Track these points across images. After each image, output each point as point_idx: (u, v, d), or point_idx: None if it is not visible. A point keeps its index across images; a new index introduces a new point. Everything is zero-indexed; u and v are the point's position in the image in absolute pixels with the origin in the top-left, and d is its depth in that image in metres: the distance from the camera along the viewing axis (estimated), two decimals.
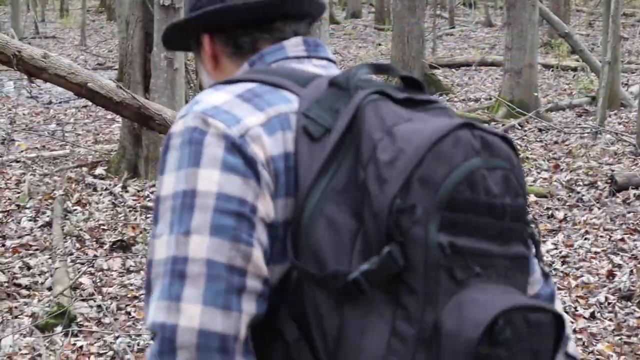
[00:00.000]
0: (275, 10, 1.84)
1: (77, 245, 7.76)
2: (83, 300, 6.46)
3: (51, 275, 6.88)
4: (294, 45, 1.85)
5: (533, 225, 1.72)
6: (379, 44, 25.31)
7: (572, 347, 1.97)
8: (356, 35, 28.06)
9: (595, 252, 7.49)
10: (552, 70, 18.39)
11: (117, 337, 5.64)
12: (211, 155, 1.60)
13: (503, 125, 12.74)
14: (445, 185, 1.54)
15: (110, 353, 5.46)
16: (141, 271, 7.11)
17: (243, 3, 1.81)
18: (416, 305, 1.52)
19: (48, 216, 8.55)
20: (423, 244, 1.52)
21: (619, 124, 13.08)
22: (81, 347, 5.58)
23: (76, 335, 5.78)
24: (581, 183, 9.70)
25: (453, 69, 19.52)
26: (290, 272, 1.62)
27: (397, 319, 1.52)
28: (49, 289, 6.66)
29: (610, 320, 6.05)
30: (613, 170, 9.83)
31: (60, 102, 16.99)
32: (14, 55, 8.65)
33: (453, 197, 1.54)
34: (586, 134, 12.19)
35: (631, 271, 6.87)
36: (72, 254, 7.53)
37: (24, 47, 8.81)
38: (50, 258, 7.35)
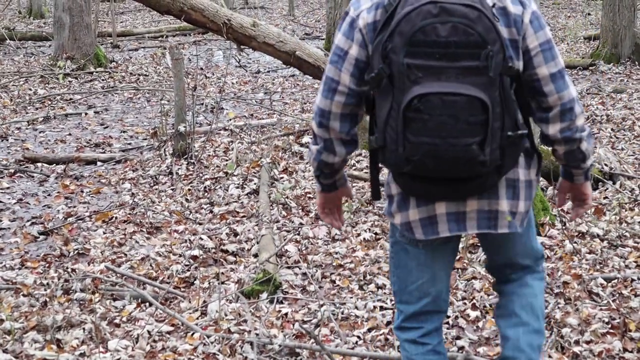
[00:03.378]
0: None
1: (283, 212, 7.82)
2: (288, 267, 6.50)
3: (257, 242, 6.95)
4: None
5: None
6: (589, 13, 24.63)
7: (585, 145, 3.44)
8: (565, 5, 27.35)
9: None
10: None
11: (321, 305, 5.63)
12: (342, 26, 3.36)
13: None
14: (408, 34, 3.07)
15: (315, 320, 5.44)
16: (346, 240, 7.11)
17: None
18: (397, 93, 3.14)
19: (255, 184, 8.67)
20: (397, 63, 3.11)
21: None
22: (286, 314, 5.59)
23: (281, 302, 5.82)
24: None
25: None
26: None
27: (392, 100, 3.16)
28: (255, 255, 6.73)
29: None
30: None
31: (268, 72, 17.27)
32: (224, 24, 8.78)
33: (412, 39, 3.07)
34: None
35: None
36: (278, 221, 7.59)
37: (233, 15, 8.95)
38: (256, 225, 7.44)
